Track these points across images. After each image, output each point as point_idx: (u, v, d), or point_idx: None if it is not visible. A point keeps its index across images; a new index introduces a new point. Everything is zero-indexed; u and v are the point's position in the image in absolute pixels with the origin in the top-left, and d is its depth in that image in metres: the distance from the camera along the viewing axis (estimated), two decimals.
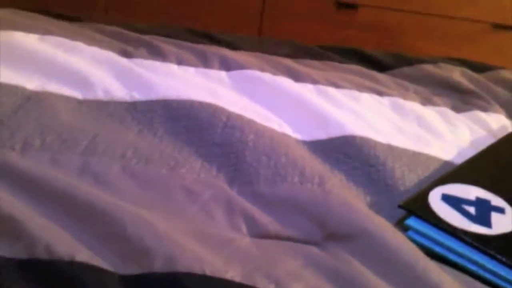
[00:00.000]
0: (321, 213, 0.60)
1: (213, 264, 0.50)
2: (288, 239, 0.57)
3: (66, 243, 0.50)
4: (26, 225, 0.50)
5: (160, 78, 0.82)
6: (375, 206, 0.65)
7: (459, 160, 0.77)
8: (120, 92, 0.78)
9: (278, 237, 0.58)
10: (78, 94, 0.77)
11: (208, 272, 0.48)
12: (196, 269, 0.48)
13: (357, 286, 0.50)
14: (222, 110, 0.76)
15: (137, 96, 0.77)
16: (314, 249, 0.56)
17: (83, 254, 0.49)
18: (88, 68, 0.82)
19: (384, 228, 0.58)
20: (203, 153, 0.69)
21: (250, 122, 0.75)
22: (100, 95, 0.77)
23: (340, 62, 1.06)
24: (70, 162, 0.62)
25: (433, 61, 1.11)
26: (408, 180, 0.71)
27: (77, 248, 0.50)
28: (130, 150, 0.66)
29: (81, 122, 0.70)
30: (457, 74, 1.05)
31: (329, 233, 0.58)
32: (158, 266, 0.49)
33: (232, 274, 0.49)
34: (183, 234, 0.54)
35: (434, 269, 0.54)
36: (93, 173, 0.61)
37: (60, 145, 0.65)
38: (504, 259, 0.57)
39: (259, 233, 0.58)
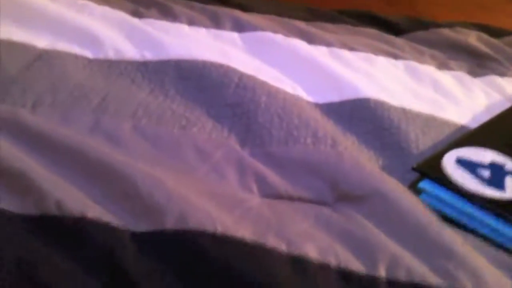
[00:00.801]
0: (333, 174, 0.59)
1: (224, 223, 0.49)
2: (300, 199, 0.57)
3: (77, 200, 0.50)
4: (36, 181, 0.50)
5: (172, 38, 0.81)
6: (387, 169, 0.64)
7: (474, 125, 0.76)
8: (131, 51, 0.77)
9: (290, 198, 0.57)
10: (88, 53, 0.76)
11: (220, 230, 0.48)
12: (208, 227, 0.48)
13: (369, 247, 0.50)
14: (234, 70, 0.75)
15: (148, 55, 0.76)
16: (326, 210, 0.56)
17: (94, 211, 0.49)
18: (98, 27, 0.80)
19: (396, 189, 0.57)
20: (214, 113, 0.68)
21: (263, 83, 0.74)
22: (111, 54, 0.76)
23: (355, 25, 1.04)
24: (81, 120, 0.62)
25: (450, 25, 1.08)
26: (422, 143, 0.70)
27: (88, 205, 0.50)
28: (141, 109, 0.65)
29: (92, 81, 0.69)
30: (474, 39, 1.03)
31: (341, 194, 0.58)
32: (170, 223, 0.48)
33: (244, 233, 0.49)
34: (194, 192, 0.54)
35: (446, 231, 0.53)
36: (104, 131, 0.61)
37: (71, 103, 0.64)
38: None
39: (270, 194, 0.57)
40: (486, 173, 0.63)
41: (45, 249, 0.45)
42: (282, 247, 0.48)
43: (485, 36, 1.05)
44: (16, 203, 0.49)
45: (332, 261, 0.48)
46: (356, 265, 0.48)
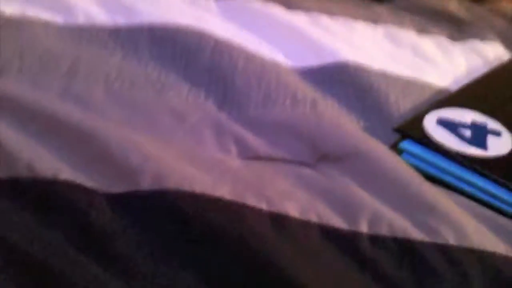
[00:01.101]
0: (314, 135, 0.58)
1: (202, 183, 0.48)
2: (279, 160, 0.56)
3: (49, 162, 0.48)
4: (6, 144, 0.48)
5: (145, 3, 0.78)
6: (368, 131, 0.63)
7: (454, 87, 0.75)
8: (102, 16, 0.74)
9: (269, 159, 0.56)
10: (59, 19, 0.73)
11: (198, 190, 0.47)
12: (185, 187, 0.47)
13: (351, 204, 0.49)
14: (210, 35, 0.72)
15: (121, 20, 0.74)
16: (306, 170, 0.54)
17: (67, 173, 0.47)
18: None
19: (378, 149, 0.57)
20: (190, 77, 0.66)
21: (240, 48, 0.72)
22: (81, 20, 0.73)
23: None
24: (51, 85, 0.59)
25: None
26: (402, 105, 0.69)
27: (61, 167, 0.48)
28: (113, 73, 0.63)
29: (62, 47, 0.67)
30: (454, 4, 1.02)
31: (321, 154, 0.56)
32: (146, 184, 0.47)
33: (222, 192, 0.47)
34: (171, 155, 0.52)
35: (429, 189, 0.53)
36: (75, 95, 0.58)
37: (40, 68, 0.62)
38: (499, 179, 0.56)
39: (249, 155, 0.56)
40: (467, 133, 0.62)
41: (19, 213, 0.43)
42: (262, 205, 0.47)
43: (466, 2, 1.04)
44: None
45: (313, 218, 0.47)
46: (337, 222, 0.47)
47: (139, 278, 0.40)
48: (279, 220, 0.46)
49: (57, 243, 0.41)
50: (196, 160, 0.53)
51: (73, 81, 0.60)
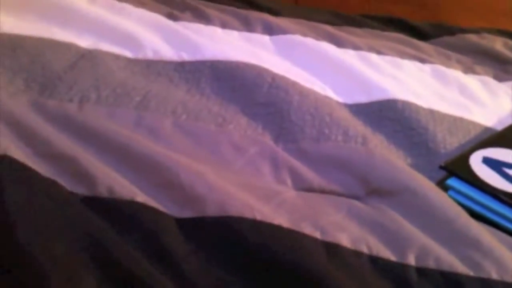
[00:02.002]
0: (364, 170, 0.62)
1: (262, 211, 0.52)
2: (332, 193, 0.60)
3: (126, 186, 0.53)
4: (88, 167, 0.54)
5: (207, 40, 0.84)
6: (415, 167, 0.66)
7: (499, 127, 0.78)
8: (168, 52, 0.80)
9: (322, 191, 0.60)
10: (128, 53, 0.79)
11: (258, 217, 0.51)
12: (247, 214, 0.51)
13: (399, 237, 0.53)
14: (267, 71, 0.78)
15: (185, 56, 0.79)
16: (357, 203, 0.58)
17: (142, 197, 0.52)
18: (137, 29, 0.84)
19: (425, 185, 0.60)
20: (249, 111, 0.71)
21: (294, 84, 0.77)
22: (149, 55, 0.79)
23: (381, 30, 1.07)
24: (125, 116, 0.65)
25: (476, 31, 1.10)
26: (449, 143, 0.72)
27: (136, 191, 0.53)
28: (180, 106, 0.69)
29: (133, 79, 0.73)
30: (500, 44, 1.05)
31: (371, 189, 0.60)
32: (211, 211, 0.51)
33: (280, 221, 0.52)
34: (232, 184, 0.57)
35: (474, 225, 0.55)
36: (146, 126, 0.64)
37: (114, 100, 0.68)
38: None
39: (304, 187, 0.60)
40: (511, 172, 0.65)
41: (109, 229, 0.48)
42: (317, 235, 0.51)
43: (511, 42, 1.07)
44: (69, 185, 0.52)
45: (364, 250, 0.51)
46: (387, 254, 0.51)
47: None
48: (332, 249, 0.50)
49: (142, 261, 0.46)
50: (255, 189, 0.57)
51: (144, 113, 0.66)
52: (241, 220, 0.50)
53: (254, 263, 0.47)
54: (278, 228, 0.50)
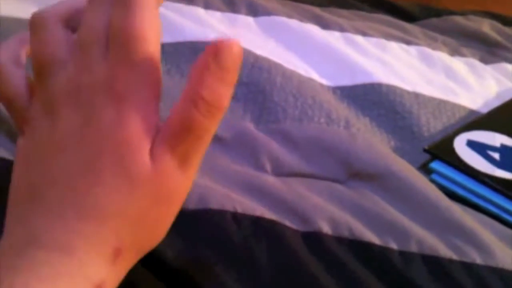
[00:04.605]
0: (346, 154, 0.60)
1: (242, 202, 0.51)
2: (313, 176, 0.58)
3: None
4: None
5: (188, 21, 0.82)
6: (399, 151, 0.66)
7: (485, 110, 0.77)
8: None
9: (303, 175, 0.59)
10: None
11: (239, 210, 0.50)
12: (227, 206, 0.50)
13: (382, 222, 0.52)
14: (249, 52, 0.76)
15: (165, 37, 0.77)
16: (339, 186, 0.57)
17: None
18: None
19: (407, 169, 0.59)
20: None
21: (277, 65, 0.75)
22: None
23: (368, 11, 1.05)
24: None
25: (463, 13, 1.09)
26: (433, 127, 0.71)
27: None
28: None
29: None
30: (487, 27, 1.04)
31: (353, 172, 0.59)
32: (191, 205, 0.50)
33: (262, 211, 0.50)
34: (211, 174, 0.55)
35: (456, 209, 0.55)
36: None
37: None
38: None
39: (284, 172, 0.59)
40: (496, 155, 0.64)
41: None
42: (297, 225, 0.50)
43: (498, 24, 1.06)
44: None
45: (346, 234, 0.50)
46: (369, 236, 0.50)
47: None
48: (313, 239, 0.49)
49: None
50: (235, 178, 0.55)
51: None
52: (221, 213, 0.49)
53: (234, 258, 0.46)
54: (259, 220, 0.49)
